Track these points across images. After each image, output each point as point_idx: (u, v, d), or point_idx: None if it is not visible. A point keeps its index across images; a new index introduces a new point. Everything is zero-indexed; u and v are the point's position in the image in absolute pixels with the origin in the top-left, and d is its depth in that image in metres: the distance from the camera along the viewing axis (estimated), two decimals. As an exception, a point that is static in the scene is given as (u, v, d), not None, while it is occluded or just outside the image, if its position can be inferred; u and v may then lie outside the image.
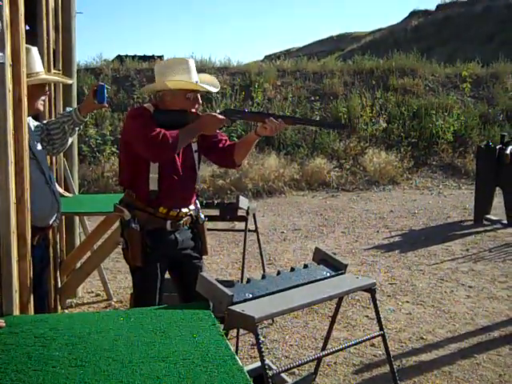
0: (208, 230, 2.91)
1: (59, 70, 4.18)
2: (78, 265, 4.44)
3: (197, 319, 2.10)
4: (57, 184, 3.47)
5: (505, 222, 7.11)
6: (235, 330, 3.40)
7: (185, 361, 1.75)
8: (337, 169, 10.17)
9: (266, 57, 29.47)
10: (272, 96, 11.66)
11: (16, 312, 2.19)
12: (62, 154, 4.07)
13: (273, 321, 4.09)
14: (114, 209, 2.73)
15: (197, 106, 2.71)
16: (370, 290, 2.47)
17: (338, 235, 6.83)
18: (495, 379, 3.32)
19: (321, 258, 2.58)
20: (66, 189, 4.46)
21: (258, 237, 4.14)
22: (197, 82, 2.67)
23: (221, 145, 2.81)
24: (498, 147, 7.23)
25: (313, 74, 12.70)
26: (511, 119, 11.75)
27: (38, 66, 2.68)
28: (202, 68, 10.90)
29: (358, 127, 10.95)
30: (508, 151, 7.03)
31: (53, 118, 3.17)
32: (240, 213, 3.87)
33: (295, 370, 3.30)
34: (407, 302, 4.60)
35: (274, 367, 2.47)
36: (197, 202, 2.86)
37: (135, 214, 2.63)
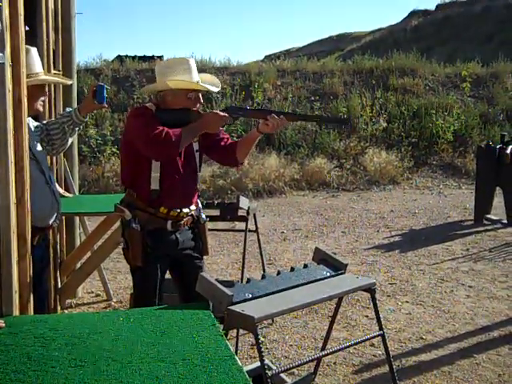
0: (208, 230, 2.91)
1: (59, 71, 4.18)
2: (78, 265, 4.45)
3: (197, 319, 2.09)
4: (57, 184, 3.48)
5: (505, 221, 7.11)
6: (235, 330, 3.40)
7: (184, 361, 1.75)
8: (337, 169, 10.17)
9: (266, 57, 29.47)
10: (272, 96, 11.67)
11: (16, 312, 2.19)
12: (62, 155, 4.07)
13: (272, 321, 4.09)
14: (114, 209, 2.73)
15: (198, 106, 2.71)
16: (370, 289, 2.47)
17: (338, 235, 6.83)
18: (494, 379, 3.31)
19: (321, 257, 2.58)
20: (67, 189, 4.46)
21: (258, 237, 4.14)
22: (198, 82, 2.67)
23: (223, 143, 2.81)
24: (498, 147, 7.24)
25: (313, 73, 12.70)
26: (511, 119, 11.74)
27: (37, 66, 2.68)
28: (202, 68, 10.88)
29: (358, 127, 10.95)
30: (508, 151, 7.03)
31: (52, 119, 3.17)
32: (240, 213, 3.87)
33: (295, 370, 3.29)
34: (407, 301, 4.60)
35: (273, 367, 2.46)
36: (198, 202, 2.86)
37: (136, 214, 2.63)
